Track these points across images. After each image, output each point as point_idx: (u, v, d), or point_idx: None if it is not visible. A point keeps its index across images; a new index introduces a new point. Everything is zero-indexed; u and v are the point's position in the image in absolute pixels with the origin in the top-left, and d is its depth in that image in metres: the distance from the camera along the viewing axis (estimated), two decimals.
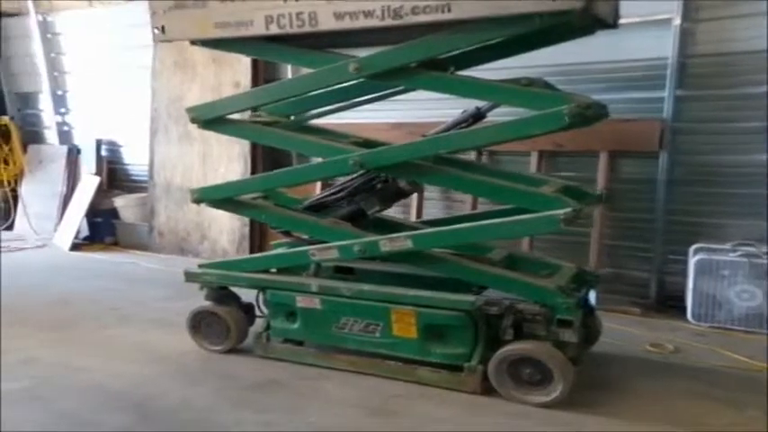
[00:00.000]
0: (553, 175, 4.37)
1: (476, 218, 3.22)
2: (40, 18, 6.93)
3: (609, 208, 4.36)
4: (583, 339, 3.19)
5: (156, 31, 3.23)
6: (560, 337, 2.86)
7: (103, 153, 6.82)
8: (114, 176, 6.92)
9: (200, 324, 3.62)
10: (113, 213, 6.58)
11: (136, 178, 6.83)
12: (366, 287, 3.19)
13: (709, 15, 3.98)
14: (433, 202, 5.04)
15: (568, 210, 2.66)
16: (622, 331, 3.78)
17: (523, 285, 2.93)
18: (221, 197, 3.49)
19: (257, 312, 3.59)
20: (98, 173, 6.64)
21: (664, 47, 4.06)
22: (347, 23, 2.77)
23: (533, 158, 4.52)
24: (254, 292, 3.52)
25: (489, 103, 3.11)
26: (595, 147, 4.29)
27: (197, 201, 3.54)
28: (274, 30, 2.93)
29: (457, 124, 3.14)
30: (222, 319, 3.55)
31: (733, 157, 4.05)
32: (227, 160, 5.65)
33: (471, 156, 4.63)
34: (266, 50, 3.16)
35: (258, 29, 2.97)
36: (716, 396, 2.96)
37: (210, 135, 5.07)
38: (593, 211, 3.74)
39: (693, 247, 3.99)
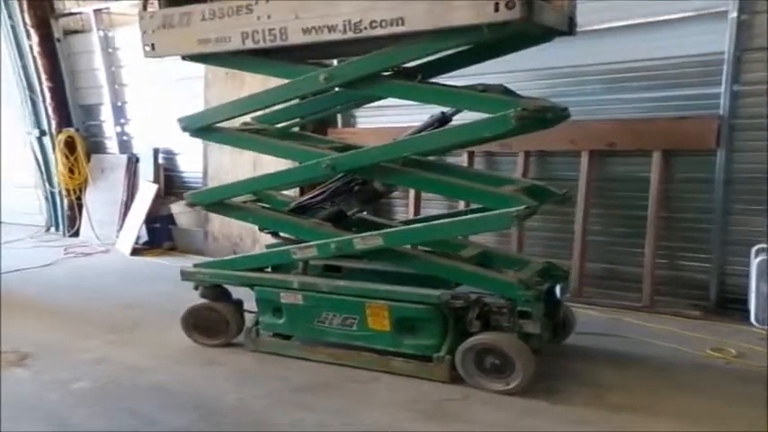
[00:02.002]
0: (604, 176, 4.37)
1: (449, 217, 3.39)
2: (102, 34, 7.25)
3: (664, 208, 4.21)
4: (550, 331, 3.34)
5: (146, 48, 3.49)
6: (523, 328, 3.01)
7: (160, 161, 7.06)
8: (171, 183, 7.13)
9: (196, 320, 3.87)
10: (171, 219, 6.83)
11: (191, 185, 6.91)
12: (342, 283, 3.39)
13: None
14: None
15: (521, 207, 2.81)
16: (682, 335, 3.69)
17: (486, 279, 3.10)
18: (212, 201, 3.74)
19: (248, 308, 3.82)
20: (155, 180, 6.87)
21: (719, 41, 3.88)
22: (314, 37, 2.98)
23: (584, 159, 4.36)
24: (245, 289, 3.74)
25: (454, 109, 3.26)
26: (649, 146, 4.15)
27: (191, 204, 3.80)
28: (250, 45, 3.16)
29: (424, 128, 3.31)
30: (220, 314, 3.79)
31: None
32: (276, 165, 5.75)
33: (520, 157, 4.61)
34: (245, 64, 3.39)
35: (236, 44, 3.20)
36: None
37: None
38: (553, 209, 3.80)
39: (755, 248, 3.84)
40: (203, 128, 3.61)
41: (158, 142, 7.05)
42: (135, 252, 6.55)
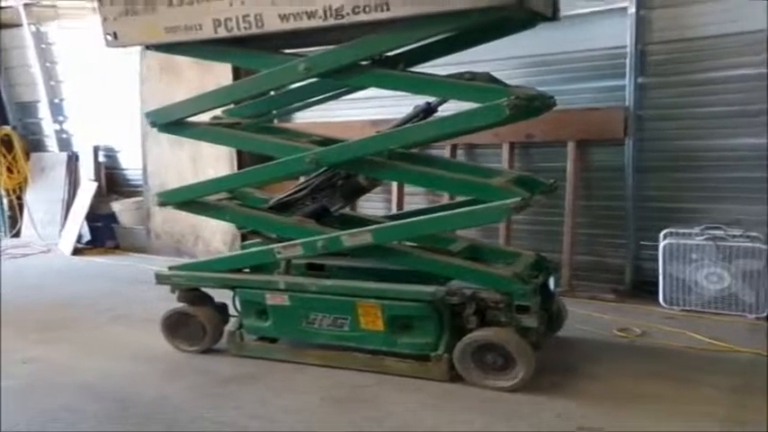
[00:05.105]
0: (526, 168, 4.44)
1: (439, 210, 3.26)
2: (33, 28, 6.94)
3: (582, 197, 4.36)
4: (545, 324, 3.26)
5: (108, 37, 3.23)
6: (521, 322, 2.92)
7: (101, 159, 6.90)
8: (114, 181, 6.99)
9: (175, 326, 3.67)
10: (113, 218, 6.70)
11: (133, 182, 6.85)
12: (331, 282, 3.24)
13: (663, 2, 4.00)
14: None
15: (517, 199, 2.71)
16: (594, 318, 3.84)
17: (481, 274, 2.99)
18: (184, 199, 3.53)
19: (233, 312, 3.63)
20: (96, 178, 6.71)
21: (623, 35, 4.07)
22: (292, 24, 2.79)
23: (504, 150, 4.51)
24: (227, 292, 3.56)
25: (440, 99, 3.12)
26: (564, 136, 4.28)
27: (162, 204, 3.57)
28: (223, 33, 2.95)
29: (409, 120, 3.16)
30: (197, 319, 3.60)
31: (699, 143, 4.05)
32: (215, 160, 5.61)
33: (446, 151, 4.67)
34: (218, 53, 3.18)
35: (207, 32, 2.98)
36: (668, 374, 3.03)
37: None
38: (543, 200, 3.76)
39: (663, 232, 4.00)
40: (173, 123, 3.39)
41: (98, 140, 6.89)
42: (76, 252, 6.45)
